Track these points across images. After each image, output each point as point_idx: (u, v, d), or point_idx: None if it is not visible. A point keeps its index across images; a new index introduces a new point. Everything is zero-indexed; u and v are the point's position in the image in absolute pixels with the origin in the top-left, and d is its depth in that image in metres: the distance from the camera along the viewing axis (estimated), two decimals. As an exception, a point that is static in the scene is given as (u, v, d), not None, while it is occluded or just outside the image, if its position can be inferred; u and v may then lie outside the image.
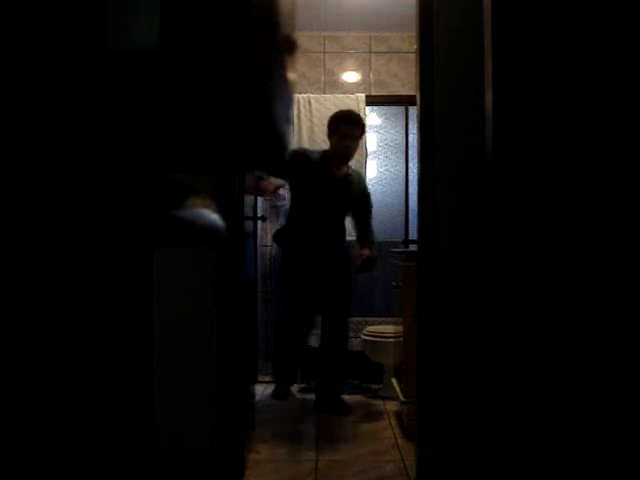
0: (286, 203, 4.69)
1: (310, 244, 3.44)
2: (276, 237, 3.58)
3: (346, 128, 3.36)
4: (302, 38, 4.72)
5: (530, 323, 1.48)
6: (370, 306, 4.49)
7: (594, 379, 1.46)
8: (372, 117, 5.03)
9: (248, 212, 2.86)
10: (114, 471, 0.69)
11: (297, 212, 3.49)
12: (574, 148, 1.49)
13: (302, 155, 3.44)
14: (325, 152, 3.49)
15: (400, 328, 3.21)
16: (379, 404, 3.67)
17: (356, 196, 3.53)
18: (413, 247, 3.64)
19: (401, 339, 3.15)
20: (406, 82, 4.78)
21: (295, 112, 4.64)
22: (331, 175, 3.42)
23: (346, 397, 3.80)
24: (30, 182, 0.35)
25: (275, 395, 3.68)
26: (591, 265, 1.47)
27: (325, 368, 3.51)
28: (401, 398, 3.10)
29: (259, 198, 3.98)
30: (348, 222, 3.67)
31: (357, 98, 4.68)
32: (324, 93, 4.82)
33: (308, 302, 3.46)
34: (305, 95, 4.69)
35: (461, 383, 2.27)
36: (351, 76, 4.90)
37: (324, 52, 4.88)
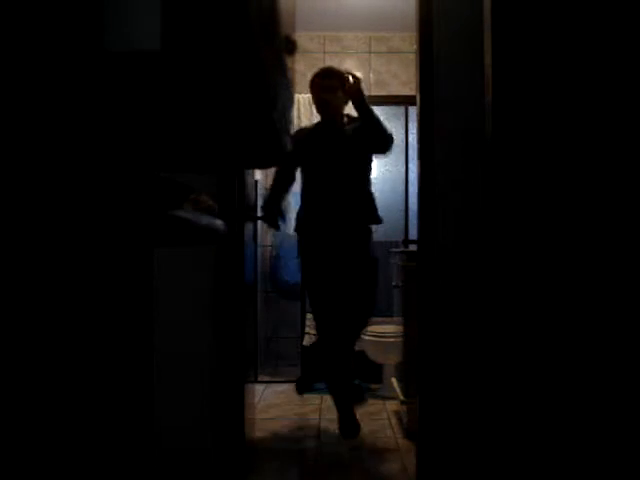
0: (286, 204, 4.69)
1: (329, 222, 3.15)
2: (297, 226, 3.28)
3: (318, 82, 3.20)
4: (302, 38, 4.72)
5: (530, 322, 1.48)
6: (370, 306, 4.49)
7: (594, 379, 1.46)
8: (372, 117, 5.03)
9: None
10: (115, 470, 0.69)
11: (310, 189, 3.25)
12: (574, 148, 1.49)
13: (300, 132, 3.33)
14: (318, 123, 3.37)
15: (400, 328, 3.21)
16: (379, 404, 3.67)
17: (362, 141, 3.17)
18: (413, 247, 3.64)
19: (401, 339, 3.15)
20: (406, 82, 4.78)
21: (295, 112, 4.64)
22: (328, 130, 3.22)
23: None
24: (31, 182, 0.35)
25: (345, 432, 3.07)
26: (592, 268, 1.47)
27: (336, 365, 3.15)
28: (401, 398, 3.10)
29: (259, 198, 3.98)
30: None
31: (357, 98, 4.67)
32: (324, 93, 4.81)
33: (332, 287, 3.11)
34: (305, 95, 4.69)
35: (461, 383, 2.27)
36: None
37: (324, 52, 4.88)
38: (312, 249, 3.18)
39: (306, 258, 3.22)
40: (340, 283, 3.13)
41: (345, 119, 3.29)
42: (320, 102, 3.24)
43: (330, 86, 3.17)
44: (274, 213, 3.32)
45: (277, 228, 3.40)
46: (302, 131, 3.40)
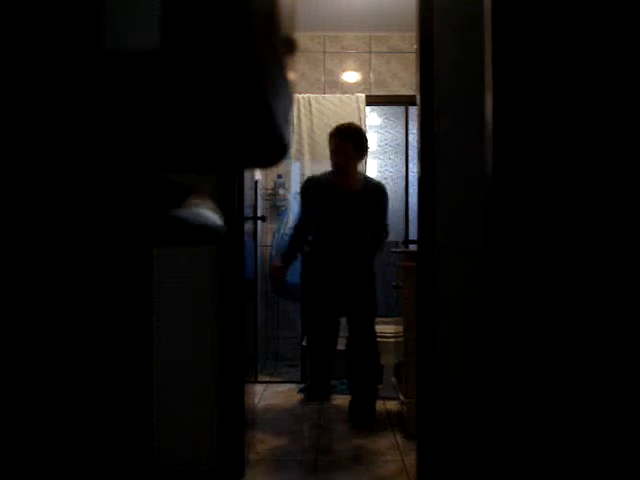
0: (286, 204, 4.70)
1: (331, 262, 3.46)
2: (305, 261, 3.61)
3: (334, 143, 3.37)
4: (302, 38, 4.72)
5: (530, 323, 1.48)
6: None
7: (594, 379, 1.46)
8: (372, 117, 5.03)
9: (248, 212, 2.86)
10: (113, 472, 0.69)
11: (317, 234, 3.51)
12: (575, 147, 1.49)
13: (310, 183, 3.52)
14: (329, 172, 3.53)
15: (400, 328, 3.21)
16: (379, 404, 3.67)
17: (370, 211, 3.48)
18: (413, 247, 3.64)
19: (401, 339, 3.15)
20: (406, 82, 4.78)
21: (295, 112, 4.64)
22: (337, 193, 3.42)
23: (345, 397, 3.80)
24: (30, 183, 0.35)
25: (311, 396, 3.71)
26: (592, 264, 1.47)
27: (355, 377, 3.46)
28: (401, 398, 3.10)
29: (259, 198, 3.98)
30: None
31: (357, 98, 4.68)
32: (324, 93, 4.82)
33: (328, 308, 3.49)
34: (305, 95, 4.69)
35: (461, 383, 2.27)
36: (351, 76, 4.90)
37: (324, 52, 4.87)
38: (317, 281, 3.50)
39: (310, 286, 3.53)
40: (340, 309, 3.50)
41: (359, 177, 3.49)
42: (334, 164, 3.41)
43: (345, 151, 3.34)
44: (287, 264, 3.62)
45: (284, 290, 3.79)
46: (314, 183, 3.52)
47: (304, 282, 3.58)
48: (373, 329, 3.45)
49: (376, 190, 3.50)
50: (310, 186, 3.49)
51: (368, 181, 3.54)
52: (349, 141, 3.34)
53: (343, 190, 3.41)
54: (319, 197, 3.44)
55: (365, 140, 3.46)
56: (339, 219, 3.41)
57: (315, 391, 3.70)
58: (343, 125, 3.50)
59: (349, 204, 3.41)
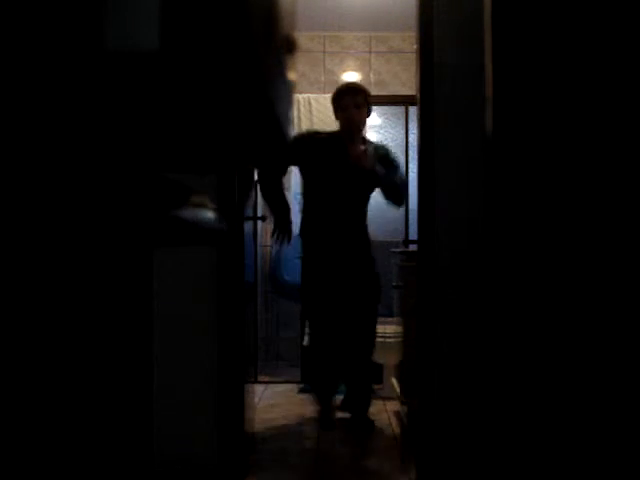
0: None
1: (332, 236, 3.21)
2: (303, 233, 3.33)
3: (345, 99, 3.17)
4: (302, 38, 4.72)
5: (529, 323, 1.48)
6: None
7: (597, 381, 1.46)
8: (372, 117, 5.02)
9: (248, 212, 2.86)
10: (113, 472, 0.69)
11: (313, 201, 3.27)
12: (575, 147, 1.49)
13: (310, 137, 3.26)
14: (335, 132, 3.30)
15: (400, 328, 3.21)
16: (379, 404, 3.67)
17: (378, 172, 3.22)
18: (413, 247, 3.64)
19: (401, 339, 3.15)
20: (406, 82, 4.78)
21: (295, 112, 4.64)
22: (345, 155, 3.16)
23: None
24: (31, 183, 0.35)
25: (322, 426, 3.25)
26: (593, 269, 1.47)
27: (351, 378, 3.31)
28: (401, 398, 3.10)
29: (259, 198, 3.97)
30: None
31: (357, 98, 4.68)
32: (324, 93, 4.81)
33: (331, 307, 3.24)
34: (305, 95, 4.69)
35: (461, 383, 2.27)
36: (351, 76, 4.90)
37: (324, 52, 4.88)
38: (315, 260, 3.26)
39: (308, 267, 3.29)
40: (342, 297, 3.22)
41: (367, 146, 3.25)
42: (346, 121, 3.19)
43: (360, 103, 3.18)
44: (287, 223, 3.28)
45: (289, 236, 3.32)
46: (318, 135, 3.31)
47: (304, 267, 3.30)
48: (374, 322, 3.28)
49: (381, 150, 3.34)
50: (310, 140, 3.20)
51: (370, 143, 3.32)
52: (362, 94, 3.19)
53: (352, 160, 3.14)
54: (324, 158, 3.15)
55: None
56: (345, 186, 3.16)
57: (326, 419, 3.27)
58: (348, 82, 3.41)
59: (356, 168, 3.14)
